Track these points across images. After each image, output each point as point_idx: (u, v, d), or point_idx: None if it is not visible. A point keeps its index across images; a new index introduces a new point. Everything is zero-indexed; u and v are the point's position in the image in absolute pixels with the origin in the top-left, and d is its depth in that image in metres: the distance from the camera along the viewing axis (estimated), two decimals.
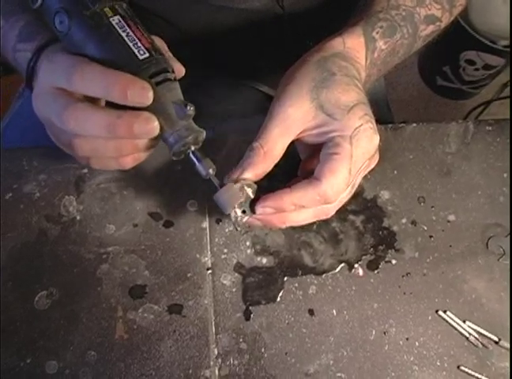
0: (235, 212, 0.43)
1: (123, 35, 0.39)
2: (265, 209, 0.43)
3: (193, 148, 0.42)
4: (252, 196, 0.43)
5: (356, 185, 0.46)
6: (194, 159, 0.42)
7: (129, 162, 0.44)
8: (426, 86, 1.68)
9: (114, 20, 0.39)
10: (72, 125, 0.39)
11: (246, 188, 0.43)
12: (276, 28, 0.63)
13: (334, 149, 0.42)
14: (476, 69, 1.46)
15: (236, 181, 0.43)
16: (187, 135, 0.40)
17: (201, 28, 0.62)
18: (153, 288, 0.51)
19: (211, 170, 0.42)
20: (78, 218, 0.53)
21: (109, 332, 0.50)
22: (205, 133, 0.42)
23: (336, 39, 0.47)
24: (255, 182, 0.44)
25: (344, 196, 0.45)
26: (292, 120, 0.43)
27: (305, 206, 0.43)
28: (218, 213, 0.54)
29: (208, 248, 0.53)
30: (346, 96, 0.43)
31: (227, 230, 0.53)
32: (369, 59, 0.49)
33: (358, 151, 0.42)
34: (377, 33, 0.49)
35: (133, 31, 0.39)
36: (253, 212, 0.43)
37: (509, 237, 0.55)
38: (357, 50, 0.48)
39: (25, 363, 0.48)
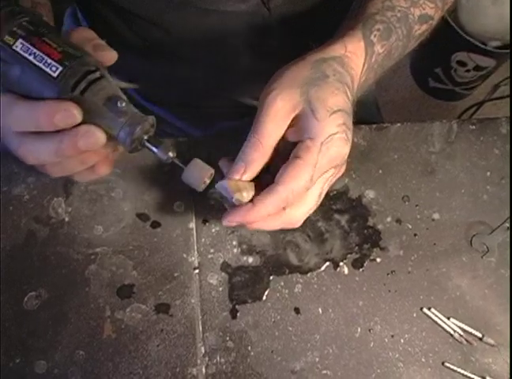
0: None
1: (31, 58, 0.37)
2: (231, 223, 0.44)
3: (146, 137, 0.41)
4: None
5: (324, 195, 0.47)
6: (151, 147, 0.42)
7: (103, 169, 0.44)
8: (418, 88, 1.68)
9: (18, 46, 0.37)
10: (30, 159, 0.41)
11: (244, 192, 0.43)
12: (263, 31, 0.63)
13: (301, 153, 0.42)
14: (468, 71, 1.46)
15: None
16: (132, 130, 0.39)
17: (187, 31, 0.62)
18: (141, 288, 0.52)
19: (170, 154, 0.42)
20: (67, 219, 0.54)
21: (97, 331, 0.50)
22: (151, 118, 0.41)
23: (338, 43, 0.48)
24: None
25: (312, 206, 0.46)
26: (284, 112, 0.43)
27: (271, 215, 0.44)
28: (204, 214, 0.55)
29: (195, 248, 0.53)
30: (333, 99, 0.44)
31: (213, 230, 0.54)
32: (367, 64, 0.49)
33: (323, 160, 0.43)
34: (374, 36, 0.50)
35: (39, 49, 0.37)
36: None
37: (492, 234, 0.56)
38: (357, 55, 0.48)
39: (14, 363, 0.49)
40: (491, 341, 0.52)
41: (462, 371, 0.51)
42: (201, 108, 0.78)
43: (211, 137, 0.59)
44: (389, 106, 1.61)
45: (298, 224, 0.47)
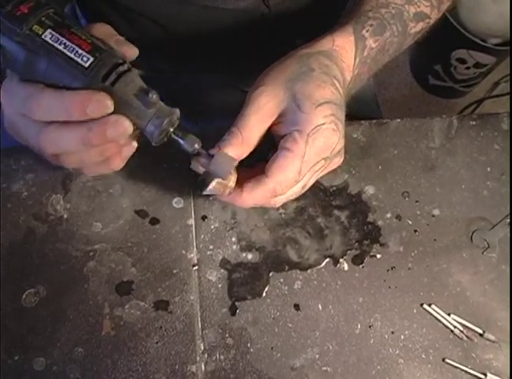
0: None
1: (61, 48, 0.37)
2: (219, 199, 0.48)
3: (172, 130, 0.42)
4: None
5: (309, 186, 0.47)
6: (178, 139, 0.42)
7: (117, 162, 0.44)
8: (418, 85, 1.68)
9: (47, 36, 0.37)
10: (50, 149, 0.40)
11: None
12: (262, 28, 0.63)
13: (289, 144, 0.43)
14: (467, 68, 1.46)
15: None
16: (161, 122, 0.40)
17: (186, 28, 0.62)
18: (140, 285, 0.52)
19: (196, 145, 0.42)
20: (65, 216, 0.54)
21: (96, 328, 0.50)
22: (178, 110, 0.42)
23: (326, 38, 0.48)
24: None
25: (293, 193, 0.47)
26: (268, 108, 0.44)
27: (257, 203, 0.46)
28: (203, 210, 0.54)
29: (194, 244, 0.53)
30: (319, 92, 0.44)
31: (212, 226, 0.54)
32: (358, 58, 0.50)
33: (311, 151, 0.43)
34: (367, 31, 0.50)
35: (69, 40, 0.37)
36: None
37: (492, 230, 0.55)
38: (346, 49, 0.48)
39: (13, 360, 0.49)
40: (492, 337, 0.52)
41: (463, 367, 0.50)
42: (200, 105, 0.78)
43: (209, 134, 0.59)
44: (388, 103, 1.61)
45: (276, 206, 0.51)
